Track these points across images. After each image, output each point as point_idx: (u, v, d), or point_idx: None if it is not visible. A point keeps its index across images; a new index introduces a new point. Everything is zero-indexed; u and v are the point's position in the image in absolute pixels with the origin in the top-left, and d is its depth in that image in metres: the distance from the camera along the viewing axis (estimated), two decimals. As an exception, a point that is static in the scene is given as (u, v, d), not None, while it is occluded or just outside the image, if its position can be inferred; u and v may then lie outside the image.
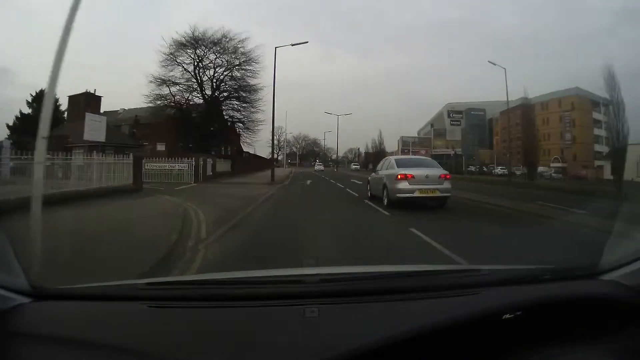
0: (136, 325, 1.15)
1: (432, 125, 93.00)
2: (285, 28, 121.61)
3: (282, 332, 1.08)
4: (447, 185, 9.06)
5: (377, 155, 56.88)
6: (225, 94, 32.97)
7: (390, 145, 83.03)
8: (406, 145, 76.99)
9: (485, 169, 54.60)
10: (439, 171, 9.33)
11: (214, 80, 31.93)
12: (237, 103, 33.31)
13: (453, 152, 72.58)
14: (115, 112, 36.25)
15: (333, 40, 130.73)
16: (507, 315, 1.15)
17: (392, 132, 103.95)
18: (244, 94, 32.57)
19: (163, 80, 29.66)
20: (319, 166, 63.92)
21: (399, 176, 8.96)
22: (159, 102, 29.96)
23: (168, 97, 30.45)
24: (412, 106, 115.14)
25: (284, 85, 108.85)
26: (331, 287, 1.38)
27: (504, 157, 67.05)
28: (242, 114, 33.42)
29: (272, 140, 24.64)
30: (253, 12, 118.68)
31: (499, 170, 50.64)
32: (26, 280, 1.26)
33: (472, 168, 57.03)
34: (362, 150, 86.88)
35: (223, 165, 26.56)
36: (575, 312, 1.24)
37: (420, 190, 8.79)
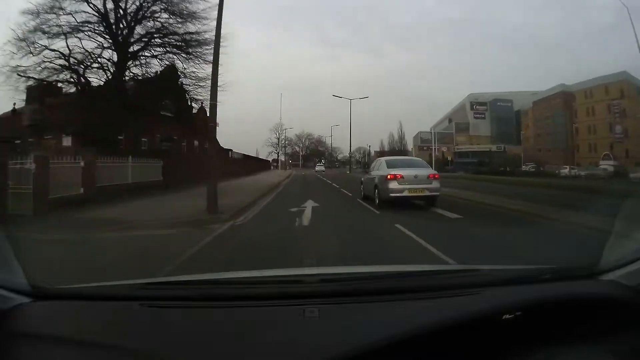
0: (136, 325, 1.16)
1: (450, 120, 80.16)
2: (288, 29, 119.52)
3: (282, 332, 1.08)
4: (435, 184, 9.34)
5: (395, 154, 44.62)
6: (154, 40, 17.65)
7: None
8: (425, 142, 63.31)
9: (541, 168, 41.66)
10: (427, 171, 9.72)
11: (129, 14, 16.82)
12: (175, 52, 17.89)
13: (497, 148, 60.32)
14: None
15: (336, 40, 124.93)
16: (507, 315, 1.14)
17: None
18: (177, 27, 17.29)
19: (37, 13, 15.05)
20: (319, 167, 58.53)
21: (389, 176, 9.20)
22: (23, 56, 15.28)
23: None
24: (421, 104, 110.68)
25: (287, 87, 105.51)
26: (331, 287, 1.39)
27: (541, 154, 54.52)
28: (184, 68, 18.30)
29: (213, 107, 9.18)
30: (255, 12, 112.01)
31: (567, 170, 37.85)
32: (26, 280, 1.27)
33: (526, 167, 43.93)
34: (373, 149, 76.15)
35: (140, 172, 13.55)
36: (575, 312, 1.22)
37: (410, 189, 9.05)
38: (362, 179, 12.17)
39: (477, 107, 73.95)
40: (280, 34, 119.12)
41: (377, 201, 9.58)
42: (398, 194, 8.97)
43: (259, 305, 1.22)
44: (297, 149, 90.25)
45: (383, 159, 11.23)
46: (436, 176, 9.43)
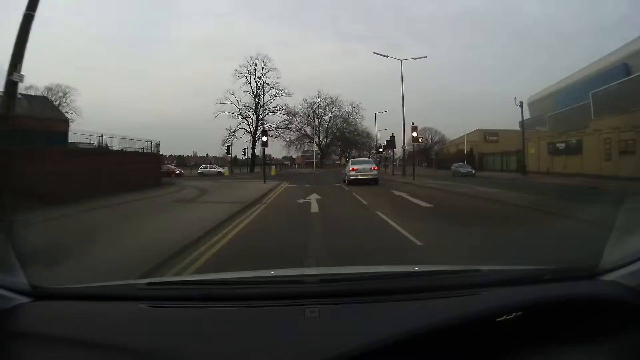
0: (136, 325, 1.14)
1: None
2: (303, 25, 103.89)
3: (282, 332, 1.08)
4: (374, 172, 18.14)
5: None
6: None
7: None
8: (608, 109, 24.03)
9: None
10: (371, 165, 18.83)
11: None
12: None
13: None
14: None
15: (354, 35, 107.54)
16: (508, 316, 1.13)
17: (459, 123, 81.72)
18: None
19: None
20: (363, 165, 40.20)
21: (351, 169, 18.10)
22: None
23: None
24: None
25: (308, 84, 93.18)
26: (331, 287, 1.39)
27: None
28: None
29: None
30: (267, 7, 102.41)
31: None
32: (26, 280, 1.26)
33: None
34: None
35: None
36: (575, 312, 1.23)
37: (361, 175, 17.61)
38: (343, 171, 22.37)
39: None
40: (296, 29, 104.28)
41: (346, 182, 18.17)
42: (354, 177, 17.45)
43: (259, 305, 1.21)
44: (307, 132, 49.77)
45: (351, 159, 22.90)
46: (375, 168, 18.57)
